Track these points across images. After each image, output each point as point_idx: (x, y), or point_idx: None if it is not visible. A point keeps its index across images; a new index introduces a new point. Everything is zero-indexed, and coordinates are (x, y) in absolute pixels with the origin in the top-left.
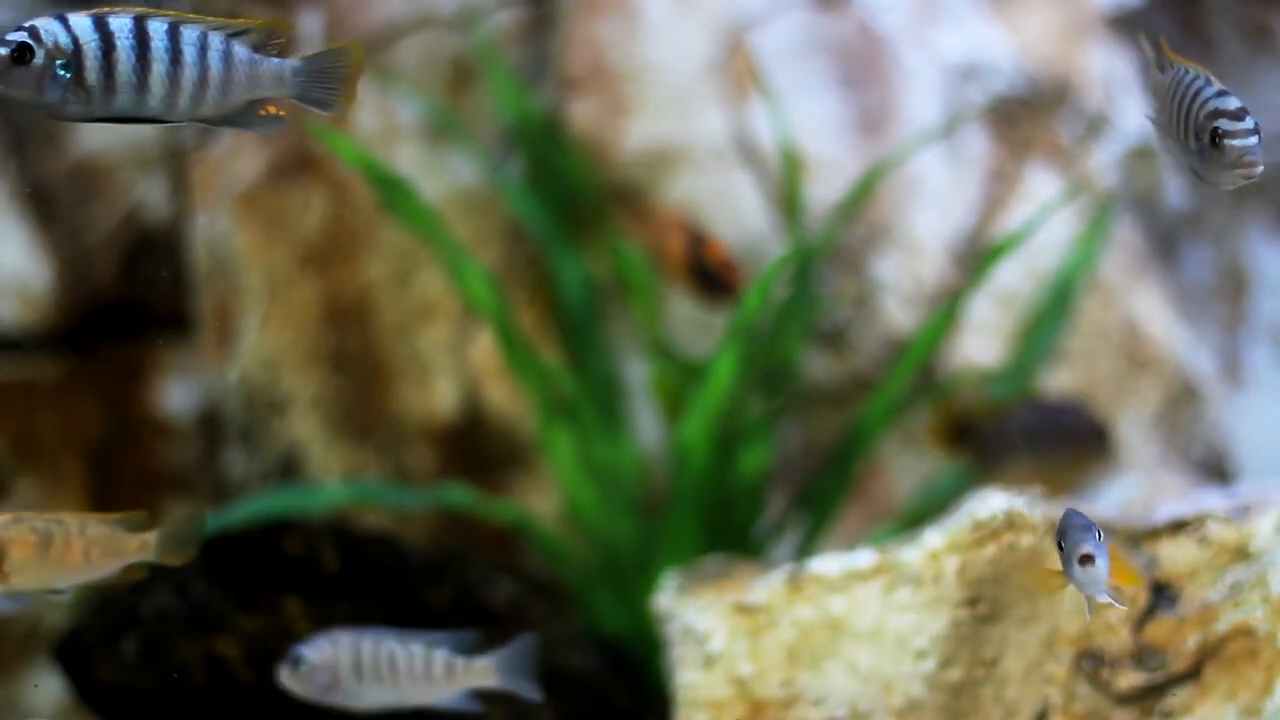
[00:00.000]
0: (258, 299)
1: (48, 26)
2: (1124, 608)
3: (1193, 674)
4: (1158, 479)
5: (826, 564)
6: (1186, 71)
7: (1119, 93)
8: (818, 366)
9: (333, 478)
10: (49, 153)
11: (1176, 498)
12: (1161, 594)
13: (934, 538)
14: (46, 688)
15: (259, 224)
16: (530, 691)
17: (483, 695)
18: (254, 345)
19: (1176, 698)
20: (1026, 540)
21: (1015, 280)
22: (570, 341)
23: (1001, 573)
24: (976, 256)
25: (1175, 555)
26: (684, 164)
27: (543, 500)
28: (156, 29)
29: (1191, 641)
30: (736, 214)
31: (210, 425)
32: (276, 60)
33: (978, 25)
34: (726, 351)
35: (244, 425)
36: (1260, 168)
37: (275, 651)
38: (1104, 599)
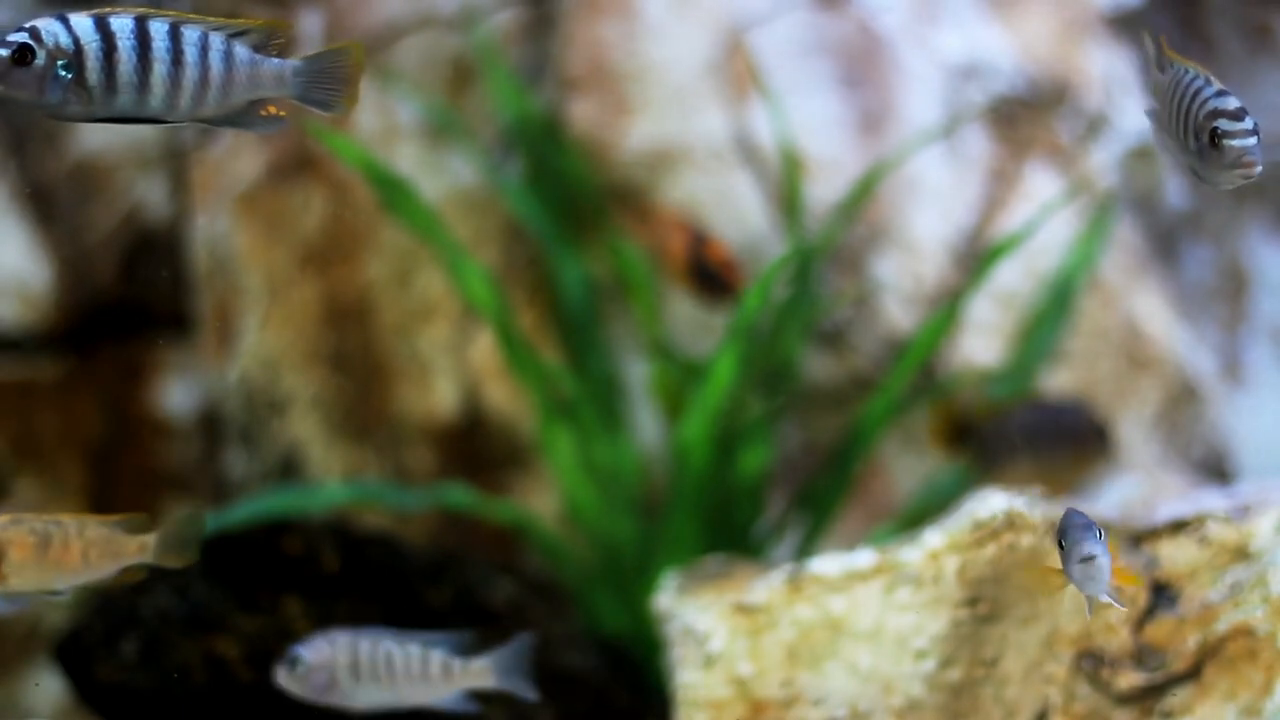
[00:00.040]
0: (258, 299)
1: (49, 27)
2: (1124, 608)
3: (1193, 674)
4: (1158, 479)
5: (826, 564)
6: (1186, 71)
7: (1119, 93)
8: (818, 366)
9: (333, 478)
10: (49, 153)
11: (1176, 498)
12: (1161, 594)
13: (934, 538)
14: (46, 688)
15: (259, 224)
16: (527, 691)
17: (483, 695)
18: (254, 345)
19: (1176, 698)
20: (1026, 540)
21: (1015, 280)
22: (570, 341)
23: (1001, 573)
24: (976, 256)
25: (1175, 555)
26: (684, 164)
27: (543, 500)
28: (158, 29)
29: (1191, 641)
30: (736, 214)
31: (210, 425)
32: (277, 61)
33: (978, 25)
34: (726, 351)
35: (244, 425)
36: (1259, 168)
37: (275, 651)
38: (1105, 598)
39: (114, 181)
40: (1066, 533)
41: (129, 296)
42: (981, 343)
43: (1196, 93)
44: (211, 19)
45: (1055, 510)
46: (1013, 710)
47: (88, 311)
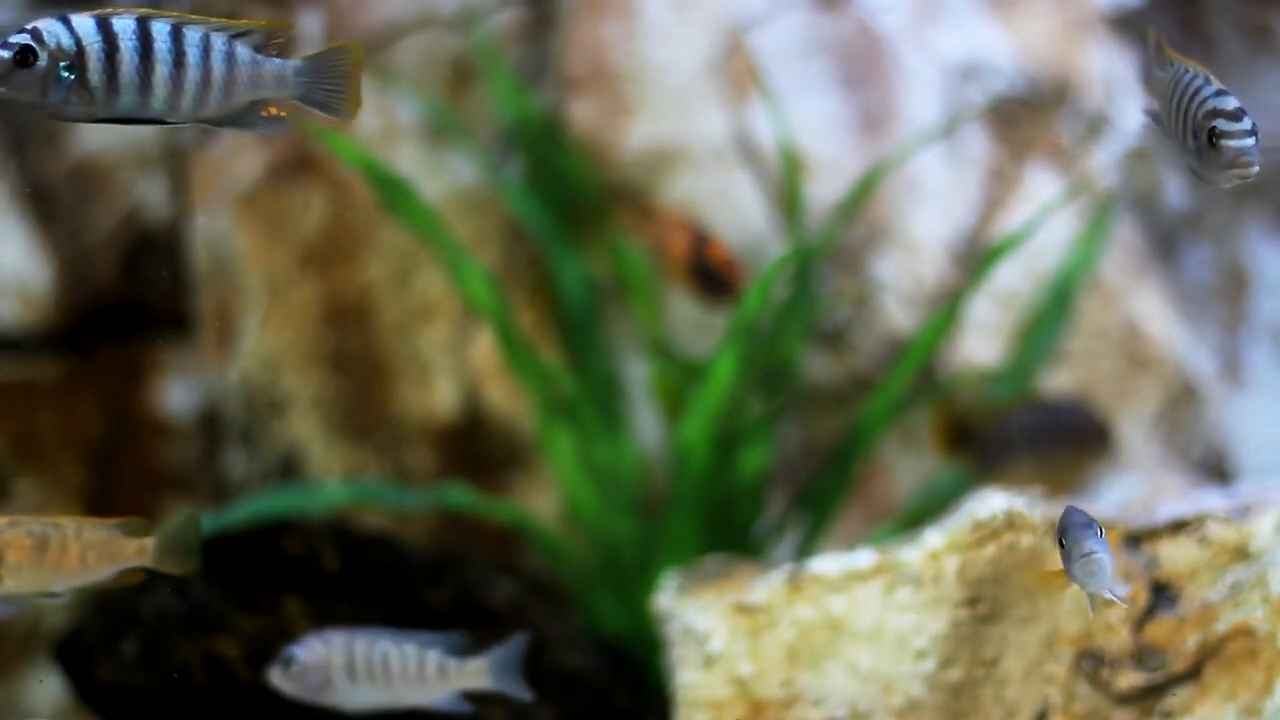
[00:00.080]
0: (258, 299)
1: (50, 28)
2: (1125, 607)
3: (1193, 674)
4: (1158, 479)
5: (826, 564)
6: (1186, 70)
7: (1119, 93)
8: (818, 366)
9: (333, 478)
10: (49, 153)
11: (1176, 498)
12: (1161, 594)
13: (934, 538)
14: (46, 687)
15: (259, 224)
16: (521, 692)
17: (482, 696)
18: (254, 345)
19: (1176, 698)
20: (1026, 540)
21: (1015, 280)
22: (570, 341)
23: (1001, 573)
24: (976, 256)
25: (1175, 555)
26: (684, 164)
27: (543, 500)
28: (159, 30)
29: (1191, 641)
30: (737, 214)
31: (210, 425)
32: (278, 61)
33: (978, 25)
34: (726, 351)
35: (244, 425)
36: (1256, 168)
37: (275, 652)
38: (1108, 595)
39: (114, 181)
40: (1067, 531)
41: (129, 296)
42: (981, 343)
43: (1196, 92)
44: (212, 19)
45: (1055, 510)
46: (1013, 710)
47: (88, 311)
